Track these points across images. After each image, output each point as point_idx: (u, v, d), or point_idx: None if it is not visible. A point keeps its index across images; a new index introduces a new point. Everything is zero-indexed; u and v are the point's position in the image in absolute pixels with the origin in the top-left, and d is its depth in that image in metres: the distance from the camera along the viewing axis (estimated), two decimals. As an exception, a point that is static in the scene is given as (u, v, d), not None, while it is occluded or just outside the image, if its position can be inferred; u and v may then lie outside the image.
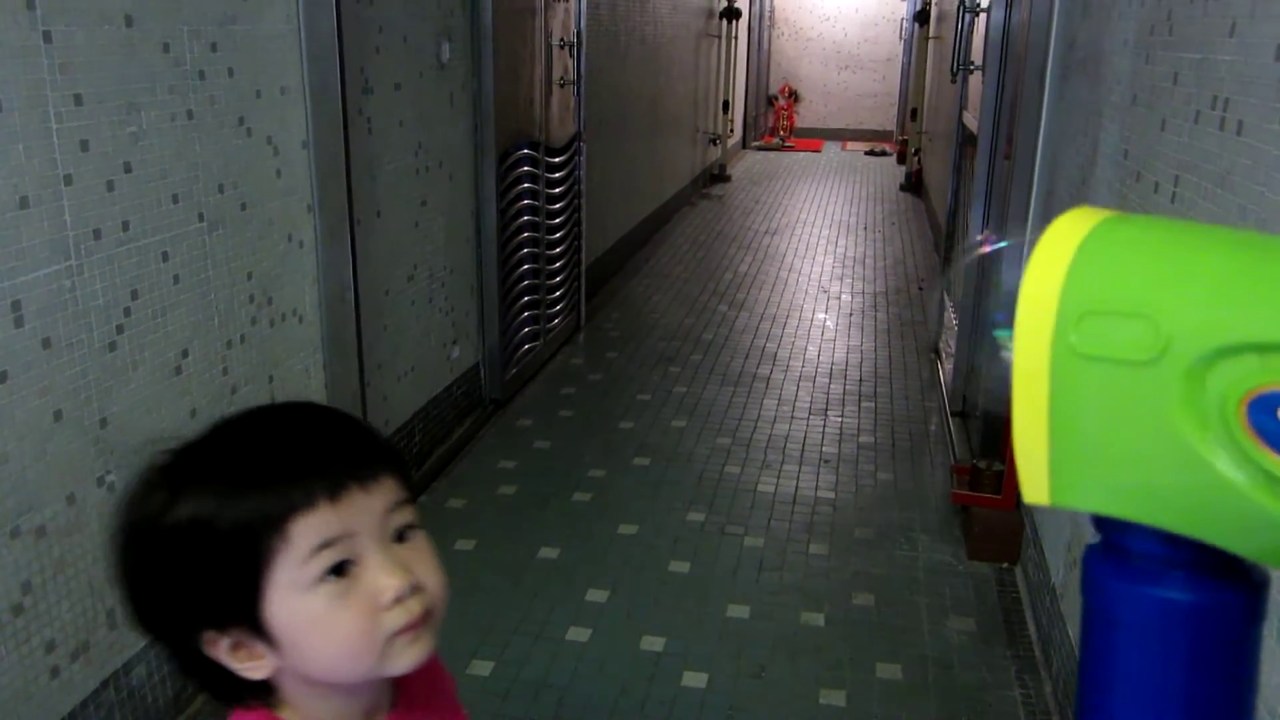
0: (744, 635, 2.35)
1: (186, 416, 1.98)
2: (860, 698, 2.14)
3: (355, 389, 2.60)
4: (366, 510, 0.68)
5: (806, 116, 12.19)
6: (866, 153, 10.75)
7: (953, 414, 3.51)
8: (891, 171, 9.48)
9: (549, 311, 4.14)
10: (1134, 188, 1.88)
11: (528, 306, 3.91)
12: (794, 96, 12.09)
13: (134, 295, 1.82)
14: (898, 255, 6.19)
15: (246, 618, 0.68)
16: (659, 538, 2.77)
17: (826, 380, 4.02)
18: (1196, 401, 0.39)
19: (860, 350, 4.40)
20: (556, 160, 4.09)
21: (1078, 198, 2.30)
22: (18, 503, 1.61)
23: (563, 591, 2.49)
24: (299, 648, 0.68)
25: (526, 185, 3.77)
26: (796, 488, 3.09)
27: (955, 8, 4.04)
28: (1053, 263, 0.42)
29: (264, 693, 0.72)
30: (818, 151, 10.96)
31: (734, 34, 9.06)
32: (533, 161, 3.80)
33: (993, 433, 2.94)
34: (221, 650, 0.69)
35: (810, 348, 4.41)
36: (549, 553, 2.68)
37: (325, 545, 0.66)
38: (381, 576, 0.68)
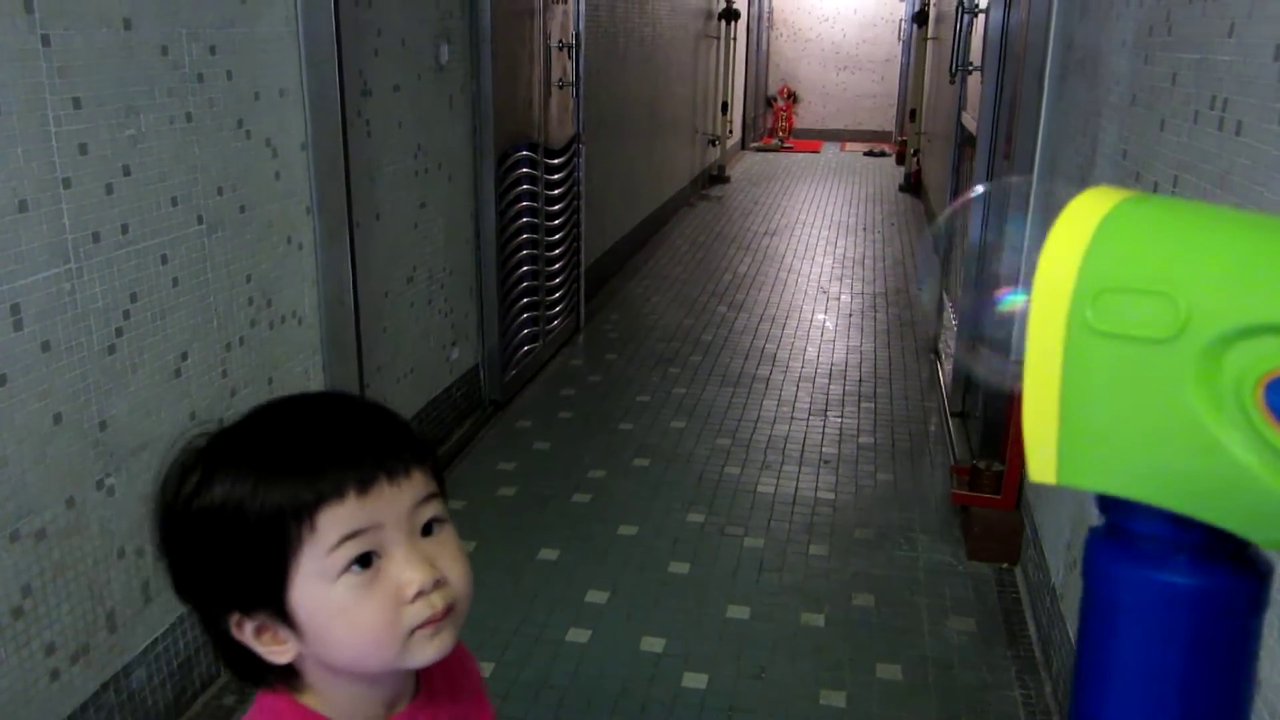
0: (744, 636, 2.35)
1: (186, 419, 1.98)
2: (860, 698, 2.14)
3: (354, 391, 2.60)
4: (394, 503, 0.69)
5: (805, 117, 12.19)
6: (865, 154, 10.76)
7: (952, 414, 3.51)
8: (890, 172, 9.49)
9: (548, 313, 4.14)
10: (1133, 188, 1.87)
11: (527, 308, 3.91)
12: (793, 97, 12.09)
13: (133, 298, 1.82)
14: (897, 256, 6.19)
15: (272, 603, 0.69)
16: (659, 539, 2.77)
17: (826, 381, 4.02)
18: (1212, 382, 0.39)
19: (860, 351, 4.40)
20: (555, 162, 4.09)
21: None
22: (17, 506, 1.61)
23: (563, 592, 2.49)
24: (321, 636, 0.69)
25: (525, 187, 3.77)
26: (796, 488, 3.09)
27: (954, 8, 4.04)
28: (1071, 239, 0.42)
29: (287, 677, 0.73)
30: (816, 152, 10.96)
31: (733, 35, 9.06)
32: (532, 163, 3.80)
33: (992, 433, 2.94)
34: (247, 633, 0.70)
35: (810, 348, 4.41)
36: (549, 554, 2.68)
37: (351, 536, 0.67)
38: (405, 570, 0.68)
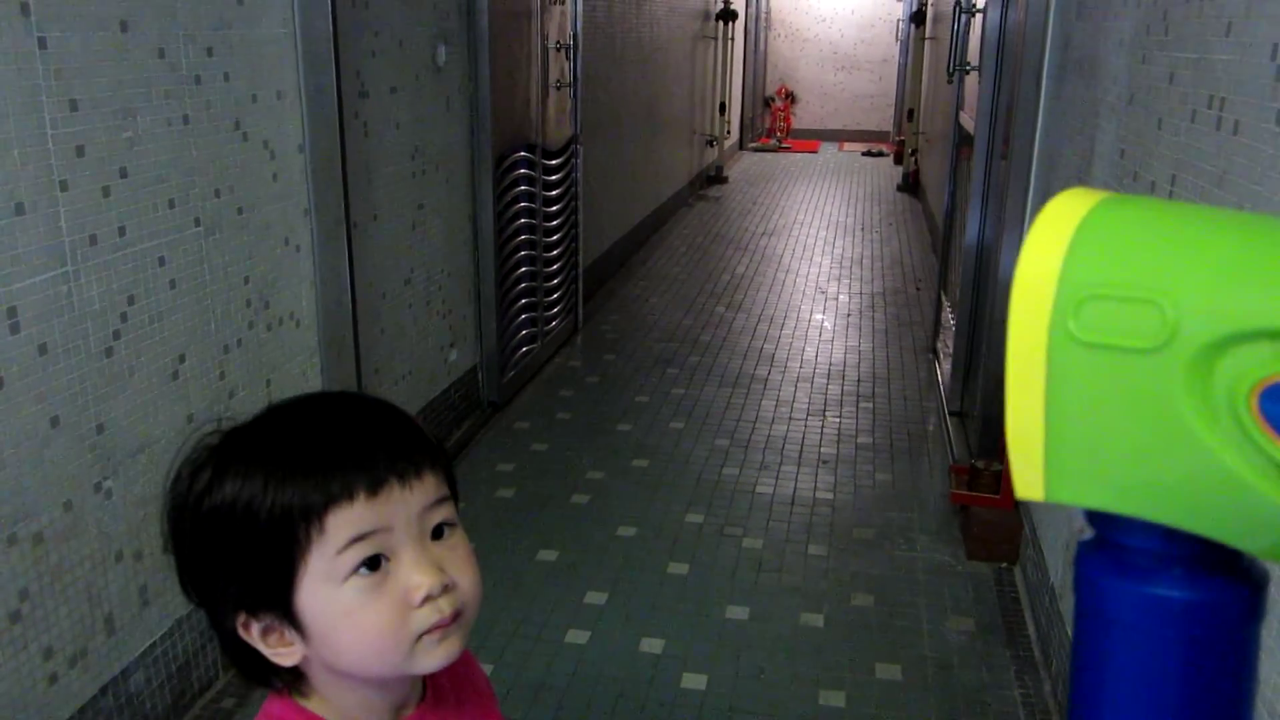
0: (743, 636, 2.35)
1: (183, 422, 1.98)
2: (860, 698, 2.14)
3: (356, 391, 2.60)
4: (404, 506, 0.68)
5: (803, 118, 12.20)
6: (863, 154, 10.76)
7: (951, 414, 3.51)
8: (888, 172, 9.49)
9: (546, 314, 4.14)
10: (1131, 187, 1.88)
11: (525, 309, 3.91)
12: (791, 98, 12.09)
13: (130, 301, 1.82)
14: (895, 256, 6.19)
15: (279, 604, 0.68)
16: (658, 539, 2.77)
17: (824, 381, 4.02)
18: (1204, 391, 0.37)
19: (858, 351, 4.40)
20: (553, 163, 4.09)
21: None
22: (14, 509, 1.60)
23: (562, 593, 2.49)
24: (327, 639, 0.68)
25: (523, 188, 3.77)
26: (795, 489, 3.09)
27: (951, 8, 4.04)
28: (1049, 244, 0.40)
29: (294, 679, 0.72)
30: (814, 153, 10.96)
31: (730, 36, 9.06)
32: (529, 164, 3.80)
33: (991, 433, 2.94)
34: (254, 634, 0.70)
35: (808, 349, 4.41)
36: (548, 555, 2.67)
37: (360, 538, 0.67)
38: (414, 574, 0.68)
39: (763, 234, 6.81)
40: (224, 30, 2.02)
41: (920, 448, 3.41)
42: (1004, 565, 2.65)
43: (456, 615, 0.70)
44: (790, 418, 3.64)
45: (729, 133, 9.50)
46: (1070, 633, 2.07)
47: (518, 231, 3.76)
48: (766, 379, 4.02)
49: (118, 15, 1.74)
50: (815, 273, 5.77)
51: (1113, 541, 0.43)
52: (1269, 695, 1.17)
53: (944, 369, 3.85)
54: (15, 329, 1.58)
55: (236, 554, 0.68)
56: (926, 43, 8.12)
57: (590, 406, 3.73)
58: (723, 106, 9.03)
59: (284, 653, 0.70)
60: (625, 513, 2.91)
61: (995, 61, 3.17)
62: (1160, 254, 0.39)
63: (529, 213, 3.85)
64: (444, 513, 0.71)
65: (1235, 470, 0.37)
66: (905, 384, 4.00)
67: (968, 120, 3.79)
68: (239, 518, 0.67)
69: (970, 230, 3.38)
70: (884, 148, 10.82)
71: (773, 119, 11.77)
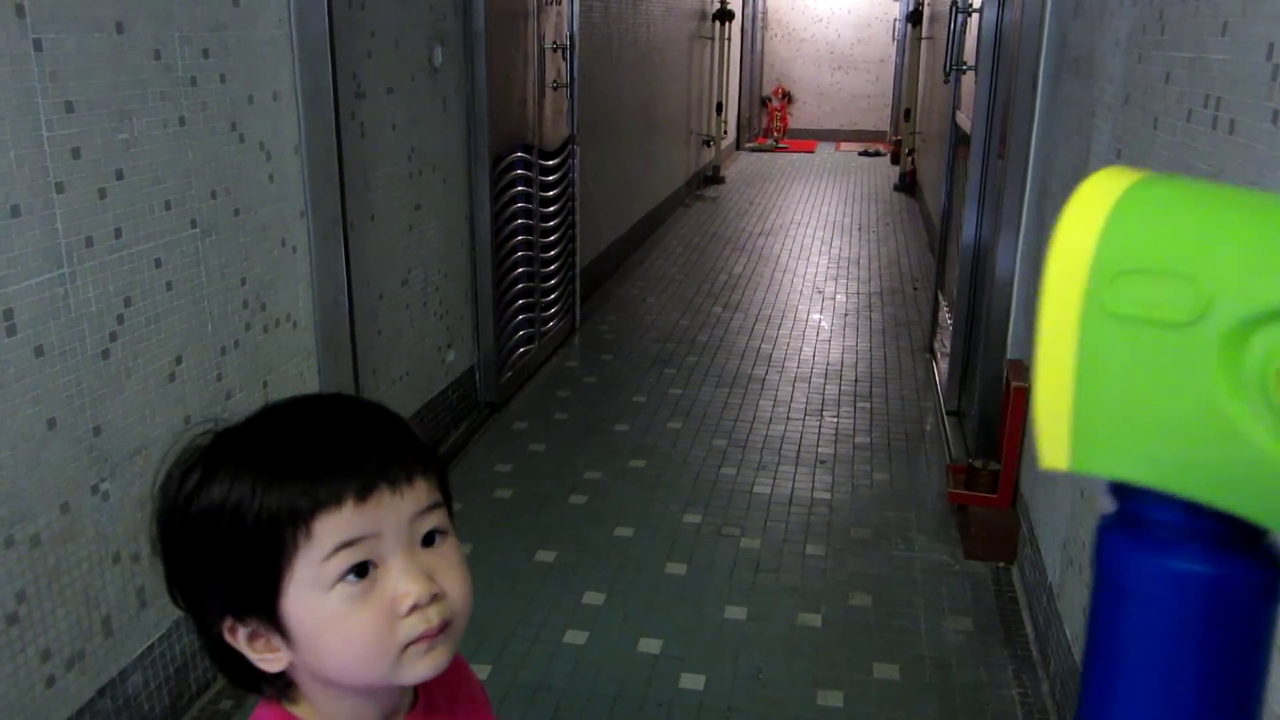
0: (741, 636, 2.35)
1: (180, 423, 1.97)
2: (857, 698, 2.14)
3: (350, 394, 2.60)
4: (394, 512, 0.67)
5: (800, 118, 12.20)
6: (860, 153, 10.76)
7: (948, 413, 3.51)
8: (885, 172, 9.49)
9: (544, 314, 4.14)
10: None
11: (522, 309, 3.90)
12: (787, 98, 12.10)
13: (127, 302, 1.82)
14: (892, 255, 6.19)
15: (264, 609, 0.67)
16: (655, 539, 2.77)
17: (822, 381, 4.02)
18: (1234, 367, 0.37)
19: (855, 351, 4.40)
20: (550, 163, 4.09)
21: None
22: (11, 511, 1.60)
23: (559, 594, 2.49)
24: (313, 646, 0.67)
25: (520, 188, 3.77)
26: (793, 489, 3.09)
27: (948, 8, 4.04)
28: (1087, 219, 0.40)
29: (282, 686, 0.72)
30: (811, 152, 10.96)
31: (727, 36, 9.06)
32: (526, 165, 3.80)
33: (988, 432, 2.94)
34: (240, 639, 0.69)
35: (805, 348, 4.41)
36: (545, 555, 2.67)
37: (347, 545, 0.66)
38: (401, 582, 0.67)
39: (760, 234, 6.81)
40: (220, 32, 2.02)
41: (918, 447, 3.41)
42: (1001, 565, 2.65)
43: (445, 625, 0.68)
44: (788, 417, 3.64)
45: (726, 133, 9.50)
46: (1069, 632, 2.08)
47: (515, 232, 3.76)
48: (764, 379, 4.02)
49: (113, 17, 1.74)
50: (812, 273, 5.77)
51: (1135, 514, 0.43)
52: (1273, 698, 1.17)
53: (941, 368, 3.85)
54: (11, 331, 1.57)
55: (223, 557, 0.67)
56: (923, 42, 8.12)
57: (588, 407, 3.73)
58: (719, 106, 9.03)
59: (270, 659, 0.69)
60: (623, 513, 2.91)
61: (992, 61, 3.18)
62: (1197, 230, 0.39)
63: (526, 213, 3.85)
64: (435, 519, 0.70)
65: (1261, 447, 0.38)
66: (902, 383, 4.01)
67: (964, 120, 3.79)
68: (226, 520, 0.66)
69: (967, 230, 3.39)
70: (881, 147, 10.83)
71: (770, 119, 11.77)
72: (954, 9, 3.74)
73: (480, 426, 3.50)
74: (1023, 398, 2.58)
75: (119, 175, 1.77)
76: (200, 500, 0.67)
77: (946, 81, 4.25)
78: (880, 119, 11.84)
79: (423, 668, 0.68)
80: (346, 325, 2.55)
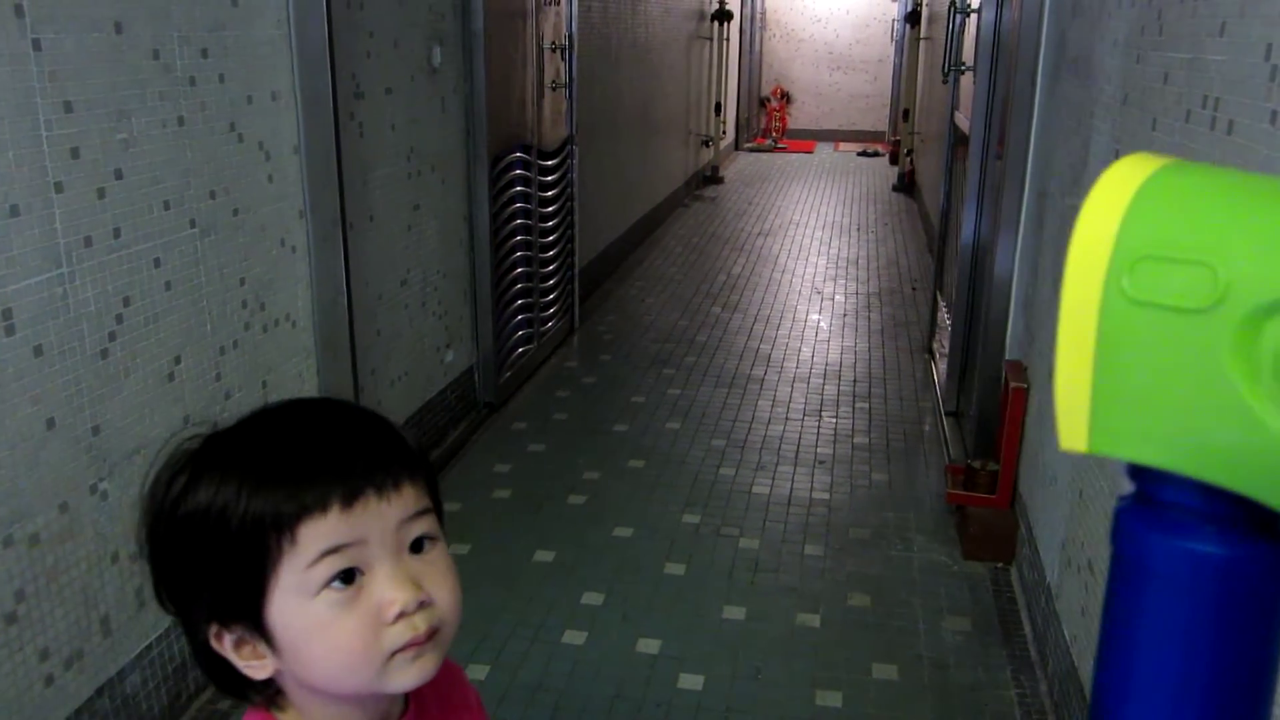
0: (740, 637, 2.35)
1: (179, 423, 1.97)
2: (856, 698, 2.14)
3: (349, 394, 2.60)
4: (381, 518, 0.66)
5: (799, 118, 12.21)
6: (859, 154, 10.77)
7: (947, 414, 3.51)
8: (884, 172, 9.50)
9: (543, 315, 4.14)
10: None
11: (521, 310, 3.90)
12: (786, 98, 12.10)
13: (126, 302, 1.82)
14: (891, 256, 6.20)
15: (250, 615, 0.66)
16: (654, 540, 2.77)
17: (820, 381, 4.02)
18: (1251, 353, 0.38)
19: (854, 351, 4.41)
20: (549, 164, 4.09)
21: (1070, 197, 2.30)
22: (10, 511, 1.60)
23: (558, 594, 2.49)
24: (298, 653, 0.67)
25: (519, 189, 3.77)
26: (791, 489, 3.10)
27: (946, 8, 4.05)
28: (1109, 205, 0.41)
29: (270, 693, 0.71)
30: (810, 153, 10.97)
31: (726, 36, 9.07)
32: (525, 165, 3.80)
33: (987, 433, 2.94)
34: (226, 645, 0.68)
35: (804, 349, 4.42)
36: (544, 555, 2.67)
37: (333, 551, 0.65)
38: (388, 589, 0.66)
39: (758, 234, 6.81)
40: (219, 32, 2.02)
41: (916, 448, 3.41)
42: (1000, 565, 2.65)
43: (433, 633, 0.67)
44: (786, 418, 3.64)
45: (724, 133, 9.51)
46: (1067, 632, 2.07)
47: (513, 232, 3.76)
48: (763, 379, 4.03)
49: (112, 17, 1.74)
50: (811, 273, 5.78)
51: (1152, 496, 0.44)
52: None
53: (940, 369, 3.85)
54: (10, 330, 1.57)
55: (208, 562, 0.66)
56: (921, 43, 8.13)
57: (587, 407, 3.73)
58: (718, 107, 9.04)
59: (256, 666, 0.68)
60: (622, 513, 2.92)
61: (990, 61, 3.18)
62: (1217, 218, 0.40)
63: (525, 213, 3.85)
64: (424, 526, 0.69)
65: (1276, 431, 0.38)
66: (901, 384, 4.01)
67: (963, 120, 3.80)
68: (211, 524, 0.65)
69: (966, 230, 3.39)
70: (879, 148, 10.83)
71: (768, 119, 11.78)
72: (952, 9, 3.74)
73: (479, 427, 3.50)
74: (1021, 398, 2.58)
75: (118, 175, 1.77)
76: (186, 504, 0.67)
77: (945, 82, 4.25)
78: (879, 119, 11.84)
79: (409, 676, 0.67)
80: (345, 325, 2.55)
